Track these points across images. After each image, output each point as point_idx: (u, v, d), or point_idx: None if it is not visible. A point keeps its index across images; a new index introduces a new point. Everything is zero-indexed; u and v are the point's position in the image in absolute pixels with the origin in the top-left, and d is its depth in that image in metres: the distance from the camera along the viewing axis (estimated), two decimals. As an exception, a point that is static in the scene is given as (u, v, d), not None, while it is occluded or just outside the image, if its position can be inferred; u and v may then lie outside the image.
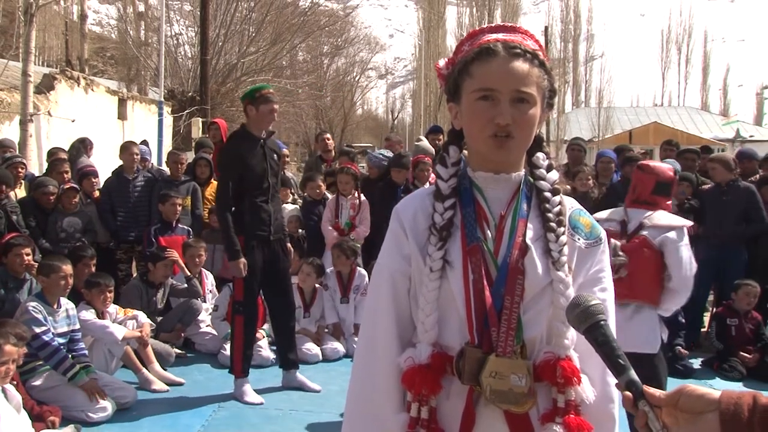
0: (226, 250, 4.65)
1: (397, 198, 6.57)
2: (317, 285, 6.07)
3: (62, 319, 4.43)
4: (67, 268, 4.47)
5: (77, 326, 4.55)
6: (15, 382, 3.83)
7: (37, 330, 4.17)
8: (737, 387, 5.25)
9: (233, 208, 4.58)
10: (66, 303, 4.52)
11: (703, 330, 6.65)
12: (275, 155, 4.76)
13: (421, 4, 41.41)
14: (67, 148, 7.73)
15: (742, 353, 5.72)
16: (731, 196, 6.25)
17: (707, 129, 31.50)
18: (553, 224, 1.40)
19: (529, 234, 1.40)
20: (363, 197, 6.54)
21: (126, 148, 6.76)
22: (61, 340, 4.34)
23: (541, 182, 1.45)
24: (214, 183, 7.16)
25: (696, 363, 5.87)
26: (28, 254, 4.91)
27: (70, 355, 4.35)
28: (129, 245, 6.57)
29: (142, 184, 6.67)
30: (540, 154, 1.48)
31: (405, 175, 6.73)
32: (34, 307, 4.26)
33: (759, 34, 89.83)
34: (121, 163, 6.80)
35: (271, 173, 4.65)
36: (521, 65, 1.36)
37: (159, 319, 5.73)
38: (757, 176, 6.86)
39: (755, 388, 5.02)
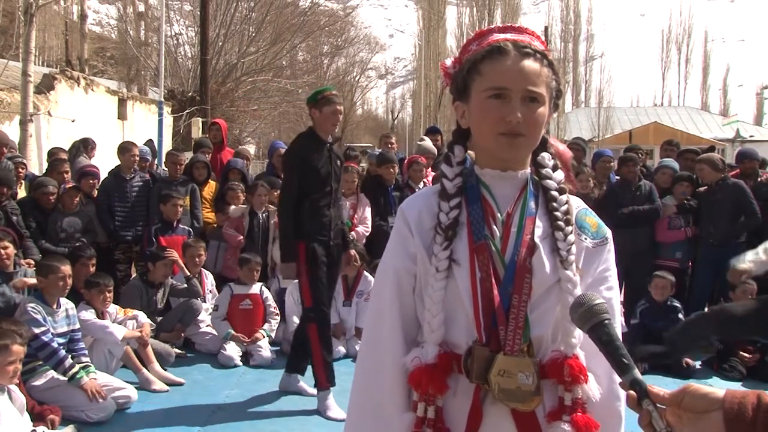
0: (282, 250, 4.57)
1: (389, 196, 6.59)
2: None
3: (62, 319, 4.42)
4: (66, 268, 4.44)
5: (77, 326, 4.53)
6: (17, 382, 3.83)
7: (36, 330, 4.15)
8: (737, 387, 5.25)
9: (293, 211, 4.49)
10: (65, 303, 4.51)
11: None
12: (339, 161, 4.69)
13: (421, 4, 41.43)
14: (68, 148, 7.74)
15: (741, 353, 5.71)
16: (720, 195, 6.27)
17: (707, 129, 31.53)
18: (560, 223, 1.41)
19: (537, 232, 1.40)
20: (364, 197, 6.53)
21: (126, 149, 6.72)
22: (61, 340, 4.33)
23: (548, 181, 1.45)
24: (212, 183, 7.18)
25: (696, 363, 5.86)
26: (5, 247, 4.85)
27: (69, 356, 4.34)
28: (127, 245, 6.57)
29: (139, 185, 6.65)
30: (545, 154, 1.48)
31: (392, 171, 6.72)
32: (33, 307, 4.25)
33: (759, 34, 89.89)
34: (118, 163, 6.79)
35: (334, 178, 4.58)
36: (532, 64, 1.37)
37: (159, 319, 5.73)
38: (762, 178, 6.87)
39: (755, 387, 5.01)
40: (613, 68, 43.13)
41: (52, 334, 4.26)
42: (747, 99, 56.22)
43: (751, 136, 29.18)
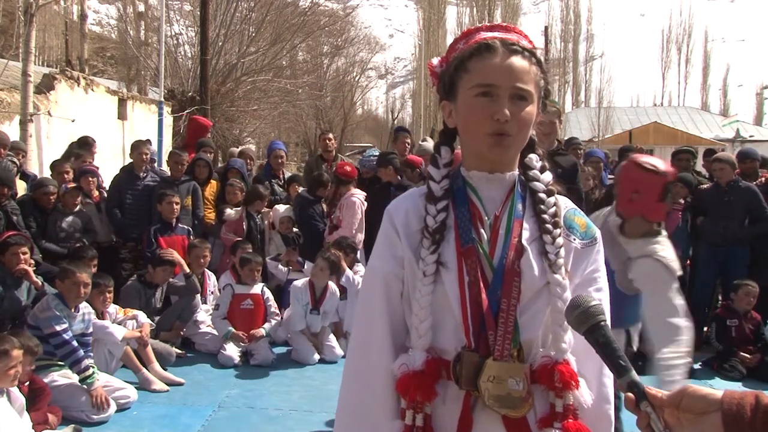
0: None
1: (391, 197, 6.61)
2: (330, 282, 5.99)
3: (78, 322, 4.46)
4: (82, 276, 4.44)
5: (90, 330, 4.58)
6: (17, 383, 3.83)
7: (57, 328, 4.21)
8: (737, 387, 5.25)
9: None
10: (84, 307, 4.55)
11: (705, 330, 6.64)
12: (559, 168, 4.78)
13: (421, 4, 41.39)
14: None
15: (742, 353, 5.71)
16: (733, 196, 6.25)
17: (707, 129, 31.47)
18: (549, 226, 1.39)
19: (525, 235, 1.38)
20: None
21: (136, 147, 6.84)
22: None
23: (536, 183, 1.43)
24: (213, 183, 7.17)
25: (696, 363, 5.86)
26: (24, 253, 4.90)
27: (87, 357, 4.36)
28: (134, 244, 6.58)
29: (150, 184, 6.69)
30: (533, 156, 1.46)
31: (393, 172, 6.73)
32: (55, 305, 4.30)
33: (759, 34, 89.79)
34: (129, 161, 6.86)
35: None
36: (520, 62, 1.35)
37: (157, 318, 5.72)
38: (762, 179, 6.86)
39: (755, 388, 5.01)
40: (613, 68, 43.11)
41: (71, 332, 4.29)
42: (747, 99, 56.20)
43: (751, 136, 29.12)
